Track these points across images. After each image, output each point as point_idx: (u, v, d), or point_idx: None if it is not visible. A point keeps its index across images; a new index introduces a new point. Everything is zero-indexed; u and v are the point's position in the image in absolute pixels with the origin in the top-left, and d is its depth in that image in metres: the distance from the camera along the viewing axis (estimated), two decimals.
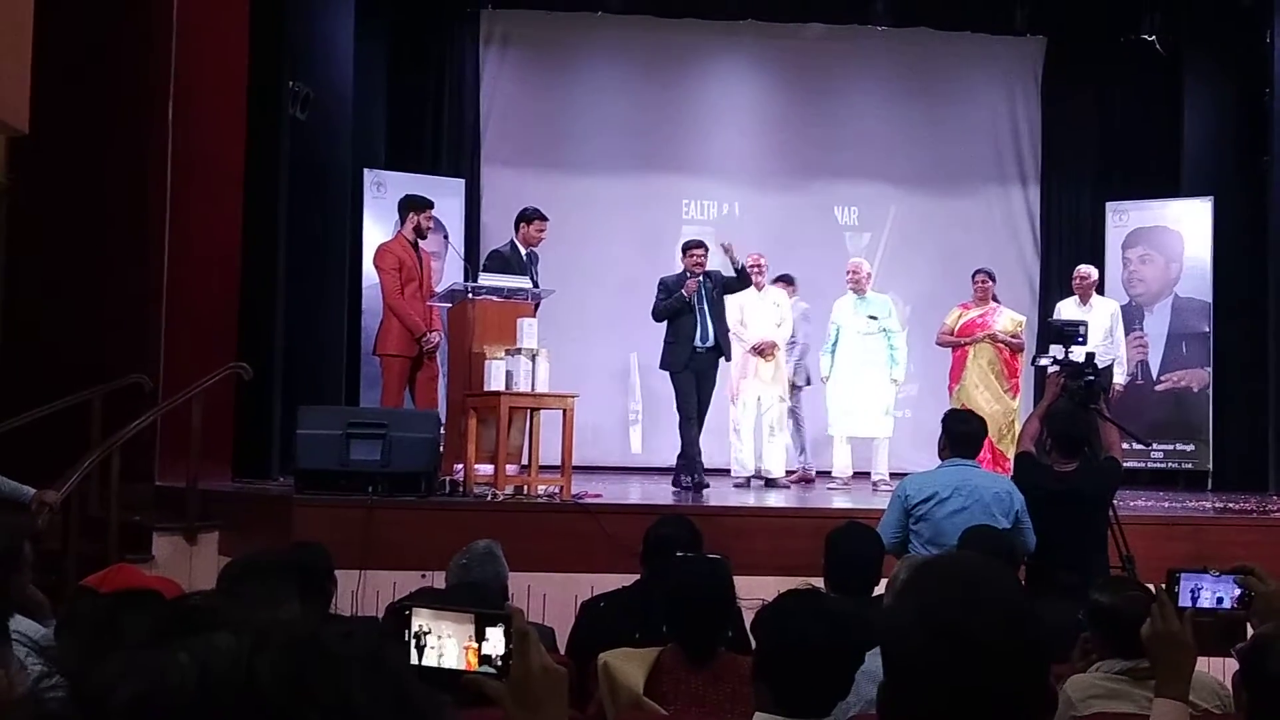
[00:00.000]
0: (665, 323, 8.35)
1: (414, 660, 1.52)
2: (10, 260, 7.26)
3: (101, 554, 5.89)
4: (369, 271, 9.46)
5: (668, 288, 8.31)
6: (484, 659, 1.54)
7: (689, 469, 8.22)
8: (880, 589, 4.29)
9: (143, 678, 0.63)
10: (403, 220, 8.07)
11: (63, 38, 6.85)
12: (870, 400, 8.87)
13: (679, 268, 8.41)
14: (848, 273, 9.18)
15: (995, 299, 9.11)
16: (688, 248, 8.41)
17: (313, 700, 0.63)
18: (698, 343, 8.21)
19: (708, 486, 8.17)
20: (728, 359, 8.50)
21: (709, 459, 8.66)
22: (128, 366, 7.19)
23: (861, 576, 4.17)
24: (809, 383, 9.62)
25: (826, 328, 9.18)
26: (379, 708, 0.65)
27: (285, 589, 2.14)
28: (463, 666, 1.54)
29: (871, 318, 8.91)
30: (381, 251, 8.07)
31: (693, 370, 8.22)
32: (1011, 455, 8.07)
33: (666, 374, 8.42)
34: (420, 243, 8.03)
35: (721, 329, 8.36)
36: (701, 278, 8.21)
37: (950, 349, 9.08)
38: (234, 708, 0.62)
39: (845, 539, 4.31)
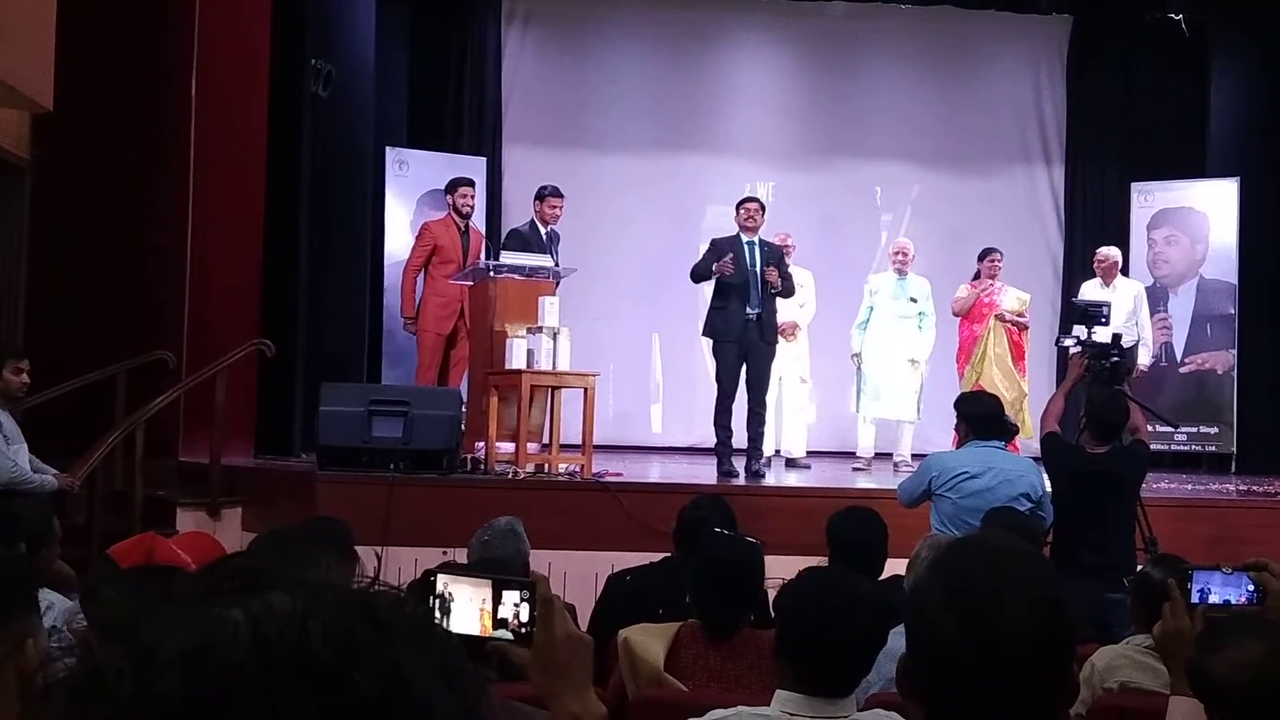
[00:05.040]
0: (711, 287, 7.48)
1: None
2: (35, 237, 7.29)
3: (126, 528, 5.97)
4: (391, 249, 9.52)
5: (716, 248, 7.47)
6: (499, 623, 1.54)
7: (729, 454, 7.42)
8: (888, 570, 4.28)
9: (195, 632, 0.62)
10: None
11: (86, 15, 6.87)
12: (900, 383, 8.82)
13: (701, 246, 8.23)
14: (895, 253, 9.04)
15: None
16: (741, 203, 7.62)
17: (362, 667, 0.62)
18: (749, 310, 7.31)
19: (762, 476, 7.45)
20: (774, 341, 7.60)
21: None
22: (151, 343, 7.25)
23: (868, 560, 4.12)
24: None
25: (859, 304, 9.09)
26: (427, 679, 0.64)
27: (326, 557, 2.15)
28: (477, 631, 1.54)
29: (912, 300, 8.87)
30: (422, 227, 8.47)
31: (740, 341, 7.34)
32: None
33: (689, 355, 8.12)
34: (470, 225, 8.31)
35: (766, 301, 7.42)
36: (756, 241, 7.44)
37: (958, 326, 9.07)
38: (285, 669, 0.61)
39: (845, 525, 4.28)
